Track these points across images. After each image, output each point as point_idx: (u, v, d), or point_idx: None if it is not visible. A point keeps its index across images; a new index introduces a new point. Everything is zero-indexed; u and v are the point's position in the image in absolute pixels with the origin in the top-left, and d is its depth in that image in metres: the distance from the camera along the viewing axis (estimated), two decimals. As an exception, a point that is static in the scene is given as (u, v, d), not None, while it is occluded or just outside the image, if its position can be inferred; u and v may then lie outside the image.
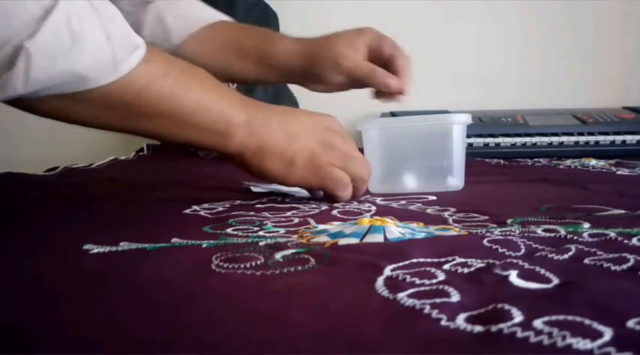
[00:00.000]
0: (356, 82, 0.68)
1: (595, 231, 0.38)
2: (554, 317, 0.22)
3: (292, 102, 1.21)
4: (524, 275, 0.28)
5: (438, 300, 0.25)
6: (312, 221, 0.45)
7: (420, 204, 0.53)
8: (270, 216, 0.48)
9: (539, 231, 0.39)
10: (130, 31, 0.43)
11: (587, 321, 0.22)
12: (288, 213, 0.49)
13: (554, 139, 1.07)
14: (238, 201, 0.55)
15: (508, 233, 0.38)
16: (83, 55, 0.39)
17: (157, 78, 0.44)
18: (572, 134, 1.06)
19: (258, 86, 1.12)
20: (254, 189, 0.63)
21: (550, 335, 0.21)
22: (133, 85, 0.43)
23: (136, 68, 0.42)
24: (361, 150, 0.64)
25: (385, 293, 0.27)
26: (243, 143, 0.49)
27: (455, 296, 0.25)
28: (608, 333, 0.21)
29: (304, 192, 0.62)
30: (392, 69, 0.65)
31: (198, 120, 0.47)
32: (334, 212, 0.49)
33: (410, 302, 0.25)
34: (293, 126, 0.51)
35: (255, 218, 0.47)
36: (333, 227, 0.42)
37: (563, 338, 0.20)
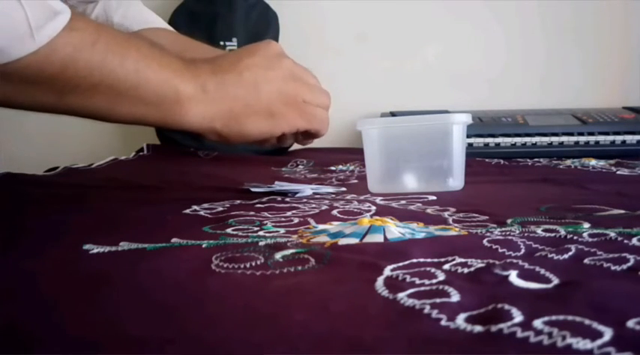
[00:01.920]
0: None
1: (595, 231, 0.38)
2: (554, 317, 0.22)
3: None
4: (524, 275, 0.28)
5: (438, 300, 0.25)
6: (312, 221, 0.45)
7: (420, 204, 0.53)
8: (270, 216, 0.48)
9: (539, 231, 0.39)
10: None
11: (587, 321, 0.22)
12: (288, 213, 0.49)
13: (554, 139, 1.07)
14: (238, 201, 0.55)
15: (508, 233, 0.38)
16: None
17: (85, 46, 0.39)
18: (572, 134, 1.06)
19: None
20: (254, 189, 0.63)
21: (550, 335, 0.21)
22: (56, 55, 0.38)
23: (58, 37, 0.37)
24: (361, 150, 0.64)
25: (385, 293, 0.27)
26: (205, 115, 0.46)
27: (455, 296, 0.25)
28: (608, 333, 0.21)
29: (304, 192, 0.62)
30: None
31: (140, 94, 0.42)
32: (334, 212, 0.49)
33: (410, 302, 0.25)
34: (248, 74, 0.47)
35: (255, 218, 0.47)
36: (333, 227, 0.42)
37: (563, 338, 0.20)
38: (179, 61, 0.46)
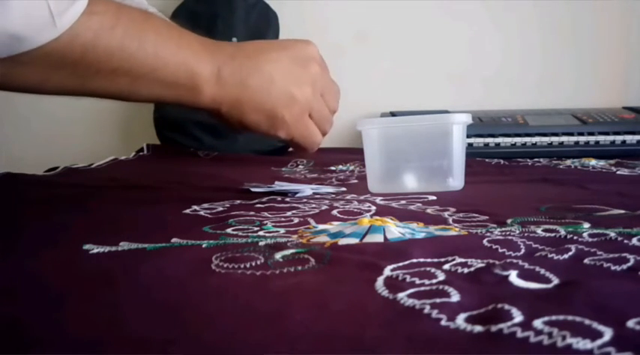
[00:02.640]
0: None
1: (595, 231, 0.38)
2: (554, 317, 0.22)
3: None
4: (524, 275, 0.28)
5: (438, 300, 0.25)
6: (312, 221, 0.45)
7: (420, 204, 0.53)
8: (270, 216, 0.48)
9: (539, 231, 0.39)
10: None
11: (587, 321, 0.22)
12: (288, 213, 0.49)
13: (554, 139, 1.07)
14: (238, 201, 0.55)
15: (508, 233, 0.38)
16: (12, 12, 0.35)
17: (104, 31, 0.40)
18: (572, 134, 1.06)
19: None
20: (254, 189, 0.63)
21: (550, 335, 0.21)
22: (77, 41, 0.39)
23: (77, 22, 0.38)
24: (361, 150, 0.64)
25: (385, 293, 0.27)
26: (215, 98, 0.46)
27: (455, 296, 0.25)
28: (608, 333, 0.21)
29: (304, 192, 0.62)
30: None
31: (158, 76, 0.43)
32: (334, 212, 0.49)
33: (410, 302, 0.25)
34: (268, 68, 0.47)
35: (255, 218, 0.47)
36: (333, 227, 0.42)
37: (563, 338, 0.20)
38: (199, 42, 0.46)
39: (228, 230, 0.42)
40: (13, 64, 0.38)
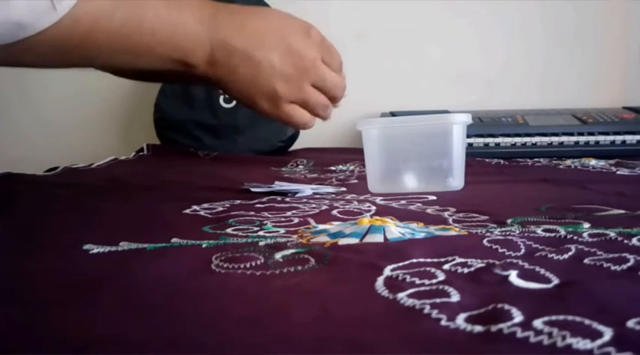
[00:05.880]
0: None
1: (595, 231, 0.38)
2: (554, 317, 0.22)
3: None
4: (524, 275, 0.28)
5: (438, 300, 0.25)
6: (312, 221, 0.45)
7: (420, 204, 0.53)
8: (270, 216, 0.48)
9: (539, 231, 0.39)
10: None
11: (587, 321, 0.22)
12: (288, 213, 0.49)
13: (554, 139, 1.07)
14: (238, 201, 0.55)
15: (508, 233, 0.38)
16: (15, 1, 0.36)
17: (103, 16, 0.41)
18: (572, 134, 1.06)
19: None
20: (254, 189, 0.63)
21: (550, 335, 0.21)
22: (78, 27, 0.40)
23: (77, 7, 0.39)
24: (361, 150, 0.64)
25: (385, 293, 0.27)
26: (207, 74, 0.48)
27: (455, 296, 0.25)
28: (608, 333, 0.21)
29: (304, 192, 0.62)
30: None
31: (156, 54, 0.46)
32: (334, 212, 0.49)
33: (410, 302, 0.25)
34: (260, 56, 0.48)
35: (255, 218, 0.47)
36: (333, 227, 0.42)
37: (563, 338, 0.20)
38: (196, 19, 0.47)
39: (228, 230, 0.42)
40: (20, 49, 0.39)
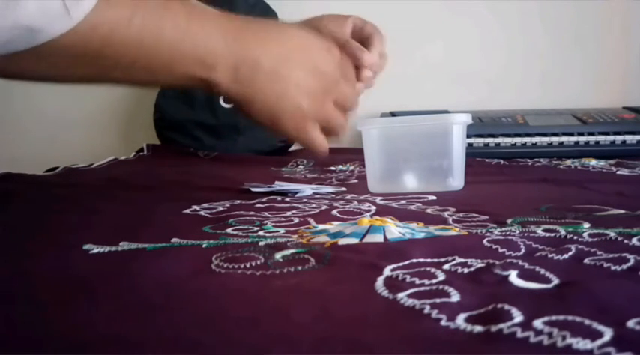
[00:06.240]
0: None
1: (595, 231, 0.38)
2: (554, 317, 0.22)
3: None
4: (524, 275, 0.28)
5: (438, 300, 0.25)
6: (312, 221, 0.45)
7: (420, 204, 0.53)
8: (270, 216, 0.48)
9: (539, 231, 0.39)
10: None
11: (587, 321, 0.22)
12: (288, 213, 0.49)
13: (554, 139, 1.07)
14: (238, 201, 0.55)
15: (508, 233, 0.38)
16: (24, 4, 0.35)
17: (121, 25, 0.40)
18: (572, 134, 1.06)
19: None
20: (254, 189, 0.63)
21: (550, 335, 0.21)
22: (95, 34, 0.39)
23: (93, 13, 0.38)
24: (361, 150, 0.64)
25: (385, 293, 0.27)
26: (229, 92, 0.47)
27: (455, 296, 0.25)
28: (608, 333, 0.21)
29: (304, 192, 0.62)
30: (368, 47, 0.63)
31: (175, 69, 0.44)
32: (334, 212, 0.49)
33: (410, 302, 0.25)
34: (285, 77, 0.48)
35: (255, 218, 0.47)
36: (333, 227, 0.42)
37: (563, 338, 0.20)
38: (220, 32, 0.45)
39: (228, 230, 0.42)
40: (35, 57, 0.38)
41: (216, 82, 0.45)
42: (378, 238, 0.38)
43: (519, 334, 0.21)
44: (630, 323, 0.22)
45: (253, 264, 0.32)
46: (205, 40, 0.44)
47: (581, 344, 0.20)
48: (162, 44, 0.42)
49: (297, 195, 0.60)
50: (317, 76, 0.50)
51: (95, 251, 0.35)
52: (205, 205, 0.53)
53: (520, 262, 0.30)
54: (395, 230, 0.39)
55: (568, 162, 0.95)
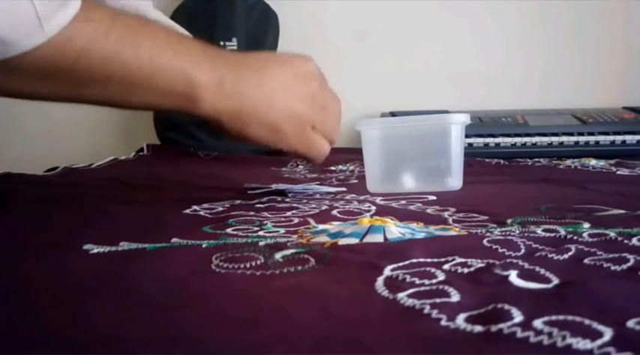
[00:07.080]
0: None
1: (595, 231, 0.38)
2: (554, 317, 0.22)
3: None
4: (524, 275, 0.28)
5: (438, 300, 0.25)
6: (312, 221, 0.45)
7: (419, 204, 0.53)
8: (270, 216, 0.48)
9: (539, 231, 0.39)
10: None
11: (587, 321, 0.22)
12: (288, 213, 0.49)
13: (554, 139, 1.07)
14: (238, 201, 0.55)
15: (508, 233, 0.38)
16: None
17: (98, 37, 0.38)
18: (572, 134, 1.07)
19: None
20: (252, 191, 0.63)
21: (550, 335, 0.21)
22: (70, 47, 0.37)
23: (68, 27, 0.37)
24: (361, 150, 0.64)
25: (385, 293, 0.27)
26: (216, 107, 0.44)
27: (455, 296, 0.25)
28: (608, 333, 0.21)
29: (305, 192, 0.62)
30: None
31: (154, 83, 0.41)
32: (334, 212, 0.49)
33: (410, 302, 0.25)
34: (270, 83, 0.47)
35: (255, 218, 0.47)
36: (333, 227, 0.42)
37: (563, 338, 0.20)
38: (199, 48, 0.45)
39: (228, 230, 0.42)
40: (6, 72, 0.37)
41: (200, 97, 0.44)
42: (378, 238, 0.38)
43: (519, 334, 0.21)
44: (630, 323, 0.22)
45: (253, 264, 0.32)
46: (187, 53, 0.43)
47: (581, 344, 0.20)
48: (142, 56, 0.40)
49: (297, 195, 0.60)
50: (302, 81, 0.49)
51: (95, 251, 0.35)
52: (205, 205, 0.53)
53: (520, 262, 0.30)
54: (395, 230, 0.39)
55: (568, 162, 0.95)
